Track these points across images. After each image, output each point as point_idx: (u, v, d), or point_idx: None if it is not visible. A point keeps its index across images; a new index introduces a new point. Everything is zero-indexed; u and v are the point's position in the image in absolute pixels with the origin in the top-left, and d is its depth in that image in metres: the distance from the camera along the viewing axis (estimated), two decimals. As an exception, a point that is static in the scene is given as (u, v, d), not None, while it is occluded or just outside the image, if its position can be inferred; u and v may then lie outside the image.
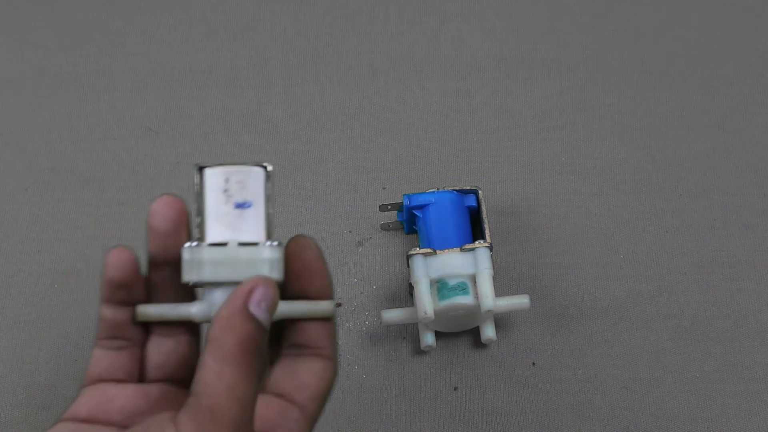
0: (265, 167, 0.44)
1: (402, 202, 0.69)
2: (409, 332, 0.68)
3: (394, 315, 0.65)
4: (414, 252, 0.65)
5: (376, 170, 0.75)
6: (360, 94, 0.79)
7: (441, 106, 0.78)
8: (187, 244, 0.43)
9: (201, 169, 0.44)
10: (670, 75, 0.79)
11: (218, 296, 0.43)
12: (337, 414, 0.66)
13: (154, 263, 0.45)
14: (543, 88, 0.78)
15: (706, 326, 0.68)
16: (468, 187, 0.69)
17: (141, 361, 0.45)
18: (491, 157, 0.75)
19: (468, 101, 0.78)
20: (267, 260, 0.43)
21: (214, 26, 0.82)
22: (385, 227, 0.72)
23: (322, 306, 0.45)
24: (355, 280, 0.70)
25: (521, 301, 0.64)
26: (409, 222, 0.70)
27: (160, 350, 0.45)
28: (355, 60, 0.80)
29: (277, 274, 0.43)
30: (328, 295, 0.45)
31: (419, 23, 0.82)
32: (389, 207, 0.70)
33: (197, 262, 0.43)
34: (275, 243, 0.43)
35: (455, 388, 0.67)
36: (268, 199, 0.44)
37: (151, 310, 0.44)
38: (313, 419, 0.44)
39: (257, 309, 0.40)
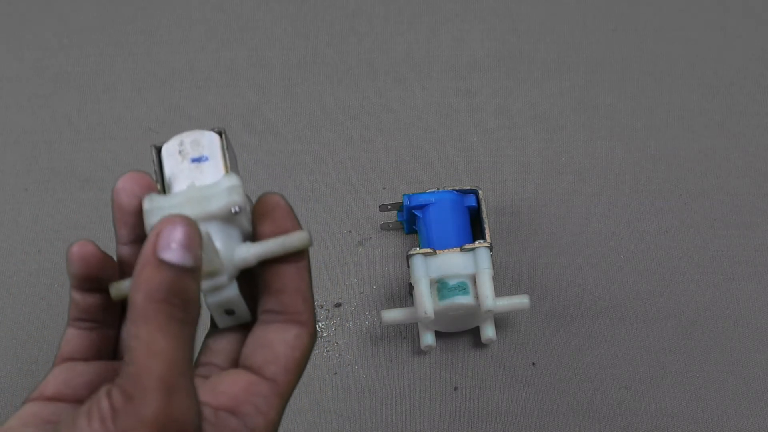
0: (220, 133, 0.44)
1: (402, 202, 0.69)
2: (409, 332, 0.68)
3: (394, 315, 0.65)
4: (414, 252, 0.65)
5: (376, 170, 0.75)
6: (360, 94, 0.78)
7: (441, 106, 0.78)
8: (146, 196, 0.42)
9: (159, 149, 0.44)
10: (670, 75, 0.79)
11: None
12: (337, 414, 0.66)
13: (122, 242, 0.43)
14: (543, 88, 0.78)
15: (706, 326, 0.68)
16: (468, 187, 0.69)
17: (114, 341, 0.44)
18: (491, 157, 0.75)
19: (468, 101, 0.78)
20: (225, 188, 0.41)
21: (214, 26, 0.82)
22: (385, 227, 0.72)
23: (296, 237, 0.41)
24: (355, 280, 0.71)
25: (521, 301, 0.64)
26: (409, 222, 0.70)
27: None
28: (355, 60, 0.80)
29: (237, 198, 0.41)
30: (303, 256, 0.42)
31: (419, 23, 0.82)
32: (389, 207, 0.70)
33: (157, 209, 0.41)
34: (232, 174, 0.42)
35: (455, 388, 0.67)
36: (225, 151, 0.43)
37: (124, 285, 0.42)
38: (284, 394, 0.42)
39: (169, 252, 0.37)
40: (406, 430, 0.65)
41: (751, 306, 0.69)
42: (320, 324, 0.69)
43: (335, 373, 0.67)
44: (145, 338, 0.36)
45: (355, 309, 0.69)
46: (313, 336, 0.43)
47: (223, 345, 0.44)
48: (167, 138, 0.45)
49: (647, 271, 0.70)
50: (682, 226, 0.72)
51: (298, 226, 0.42)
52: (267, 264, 0.42)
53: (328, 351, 0.68)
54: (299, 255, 0.42)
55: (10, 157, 0.77)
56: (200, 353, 0.44)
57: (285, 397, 0.42)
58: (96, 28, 0.82)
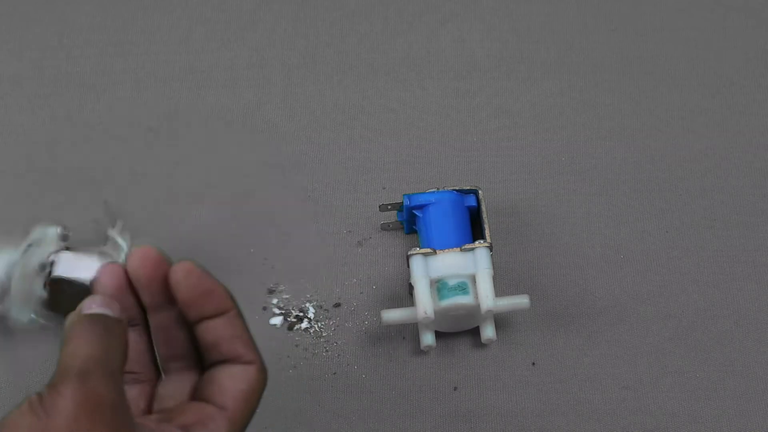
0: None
1: (402, 202, 0.69)
2: (409, 332, 0.68)
3: (394, 315, 0.65)
4: (414, 252, 0.65)
5: (376, 170, 0.75)
6: (360, 94, 0.78)
7: (441, 106, 0.78)
8: None
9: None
10: (670, 75, 0.79)
11: None
12: (337, 414, 0.66)
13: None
14: (543, 88, 0.78)
15: (706, 326, 0.68)
16: (468, 187, 0.69)
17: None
18: (491, 157, 0.75)
19: (468, 101, 0.78)
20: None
21: (214, 26, 0.82)
22: (385, 227, 0.72)
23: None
24: (355, 280, 0.70)
25: (521, 301, 0.64)
26: (409, 222, 0.70)
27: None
28: (355, 60, 0.80)
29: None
30: (229, 306, 0.46)
31: (419, 23, 0.82)
32: (389, 207, 0.70)
33: None
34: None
35: (455, 388, 0.67)
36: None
37: None
38: (234, 420, 0.45)
39: (92, 308, 0.44)
40: (406, 430, 0.65)
41: (751, 306, 0.69)
42: (320, 324, 0.69)
43: (335, 373, 0.67)
44: (70, 348, 0.42)
45: (354, 309, 0.69)
46: (262, 372, 0.46)
47: (172, 390, 0.47)
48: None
49: (647, 271, 0.70)
50: (682, 226, 0.72)
51: (216, 289, 0.46)
52: (196, 325, 0.46)
53: (327, 351, 0.68)
54: (225, 306, 0.46)
55: (10, 157, 0.77)
56: (154, 403, 0.47)
57: (236, 423, 0.45)
58: (96, 28, 0.82)
